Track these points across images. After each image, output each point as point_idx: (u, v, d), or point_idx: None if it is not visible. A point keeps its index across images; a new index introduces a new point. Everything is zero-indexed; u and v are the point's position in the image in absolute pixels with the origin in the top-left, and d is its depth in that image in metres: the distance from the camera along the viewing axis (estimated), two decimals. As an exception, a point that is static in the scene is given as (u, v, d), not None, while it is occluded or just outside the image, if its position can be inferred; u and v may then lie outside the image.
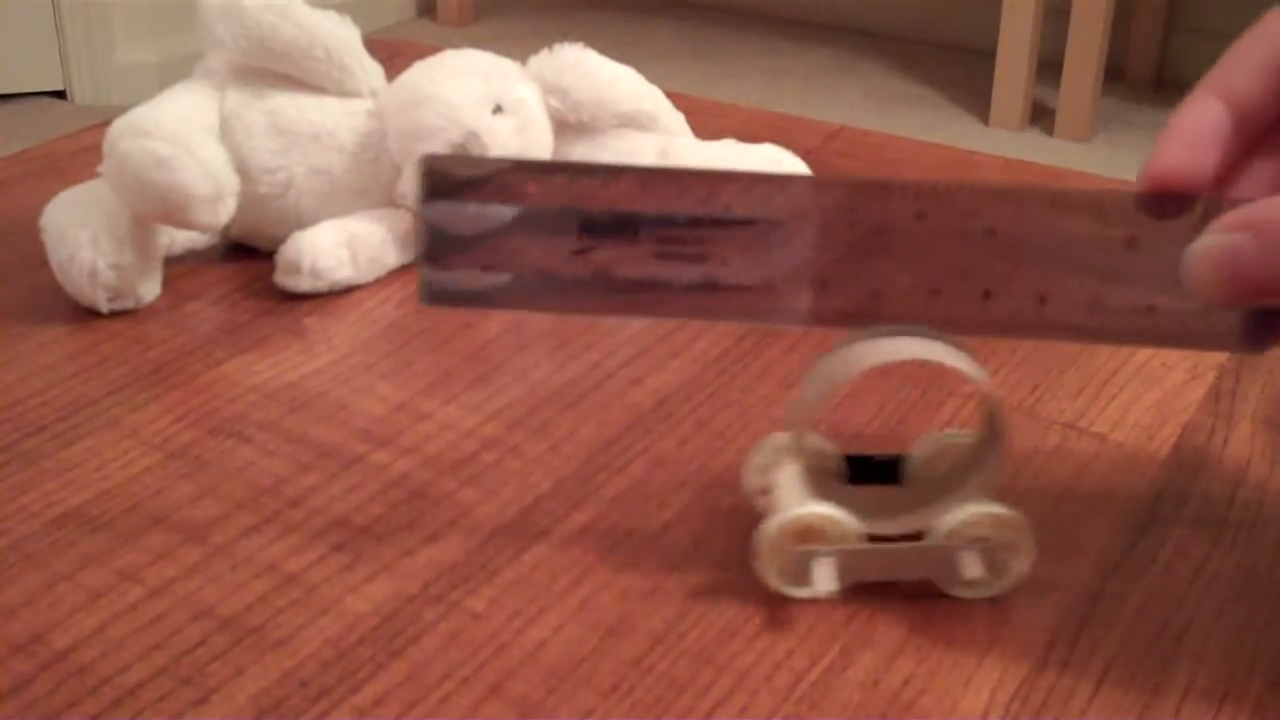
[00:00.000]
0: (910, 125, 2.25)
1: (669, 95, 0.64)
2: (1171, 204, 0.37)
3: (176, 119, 0.56)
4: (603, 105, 0.61)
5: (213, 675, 0.38)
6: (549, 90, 0.61)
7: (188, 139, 0.55)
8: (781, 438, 0.43)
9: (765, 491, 0.42)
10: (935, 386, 0.52)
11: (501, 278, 0.39)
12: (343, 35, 0.59)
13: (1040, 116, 2.23)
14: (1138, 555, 0.43)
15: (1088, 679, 0.38)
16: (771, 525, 0.40)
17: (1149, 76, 2.32)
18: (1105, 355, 0.54)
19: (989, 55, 2.26)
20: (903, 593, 0.41)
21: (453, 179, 0.39)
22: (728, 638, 0.40)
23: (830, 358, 0.40)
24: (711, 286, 0.39)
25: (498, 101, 0.59)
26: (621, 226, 0.38)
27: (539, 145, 0.60)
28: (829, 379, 0.40)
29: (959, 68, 2.49)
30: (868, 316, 0.39)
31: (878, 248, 0.38)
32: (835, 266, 0.39)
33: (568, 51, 0.61)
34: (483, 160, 0.39)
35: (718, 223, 0.38)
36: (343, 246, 0.58)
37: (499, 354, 0.54)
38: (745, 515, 0.45)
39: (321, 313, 0.57)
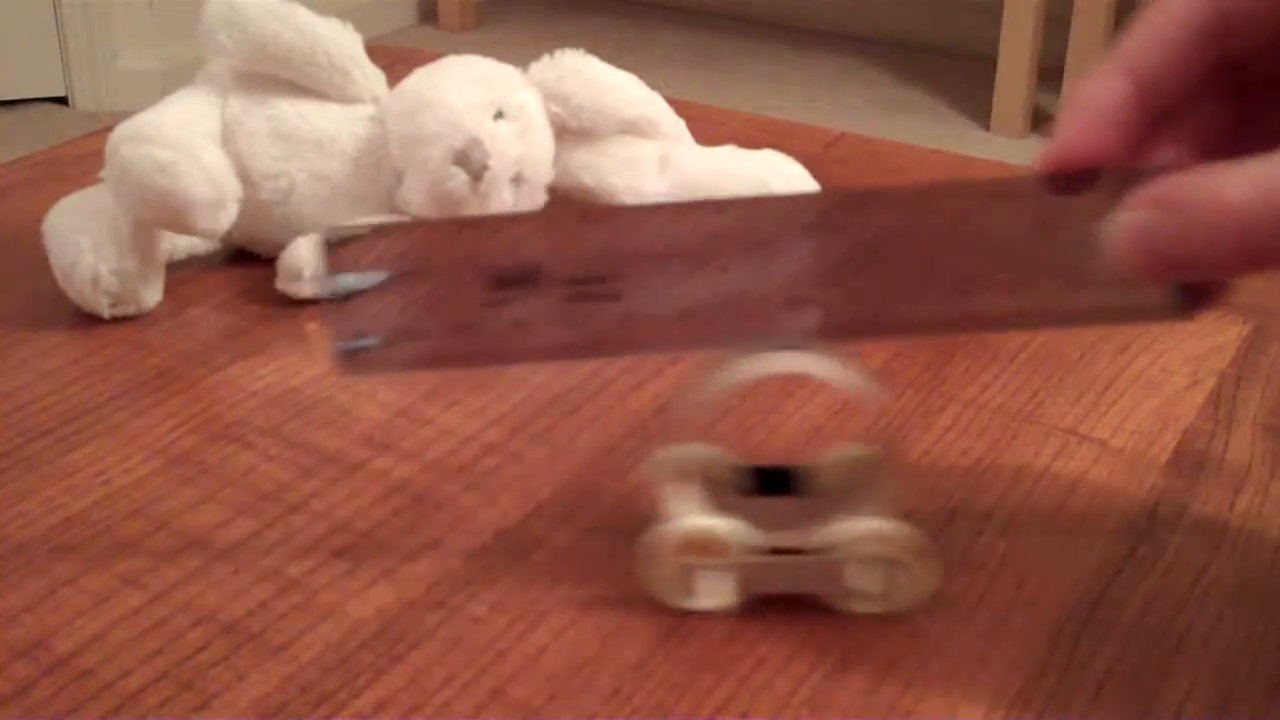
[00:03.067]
0: (911, 132, 2.25)
1: (670, 101, 0.64)
2: (1075, 180, 0.37)
3: (178, 125, 0.56)
4: (604, 111, 0.61)
5: (214, 680, 0.38)
6: (550, 96, 0.61)
7: (189, 145, 0.55)
8: (678, 448, 0.43)
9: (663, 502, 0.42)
10: (936, 393, 0.52)
11: (418, 342, 0.39)
12: (344, 41, 0.59)
13: (1041, 123, 2.24)
14: (1137, 561, 0.43)
15: (1087, 685, 0.38)
16: (655, 537, 0.40)
17: (1150, 83, 2.31)
18: (1105, 361, 0.54)
19: (990, 62, 2.26)
20: (903, 598, 0.41)
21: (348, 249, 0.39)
22: (728, 643, 0.40)
23: (717, 370, 0.40)
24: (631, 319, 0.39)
25: (499, 107, 0.59)
26: (526, 276, 0.38)
27: (540, 151, 0.60)
28: (714, 388, 0.40)
29: (960, 74, 2.49)
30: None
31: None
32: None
33: (569, 57, 0.62)
34: (361, 226, 0.39)
35: (623, 258, 0.38)
36: (344, 252, 0.58)
37: (500, 360, 0.54)
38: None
39: (323, 318, 0.57)
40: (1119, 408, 0.51)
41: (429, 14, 2.89)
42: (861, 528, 0.40)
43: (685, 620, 0.40)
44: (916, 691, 0.38)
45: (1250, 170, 0.32)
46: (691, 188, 0.62)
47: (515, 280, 0.38)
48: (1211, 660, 0.39)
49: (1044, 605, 0.41)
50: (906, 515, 0.41)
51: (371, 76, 0.60)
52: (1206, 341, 0.56)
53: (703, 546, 0.40)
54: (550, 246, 0.38)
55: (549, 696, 0.38)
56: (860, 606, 0.40)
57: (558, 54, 0.62)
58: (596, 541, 0.44)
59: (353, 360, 0.39)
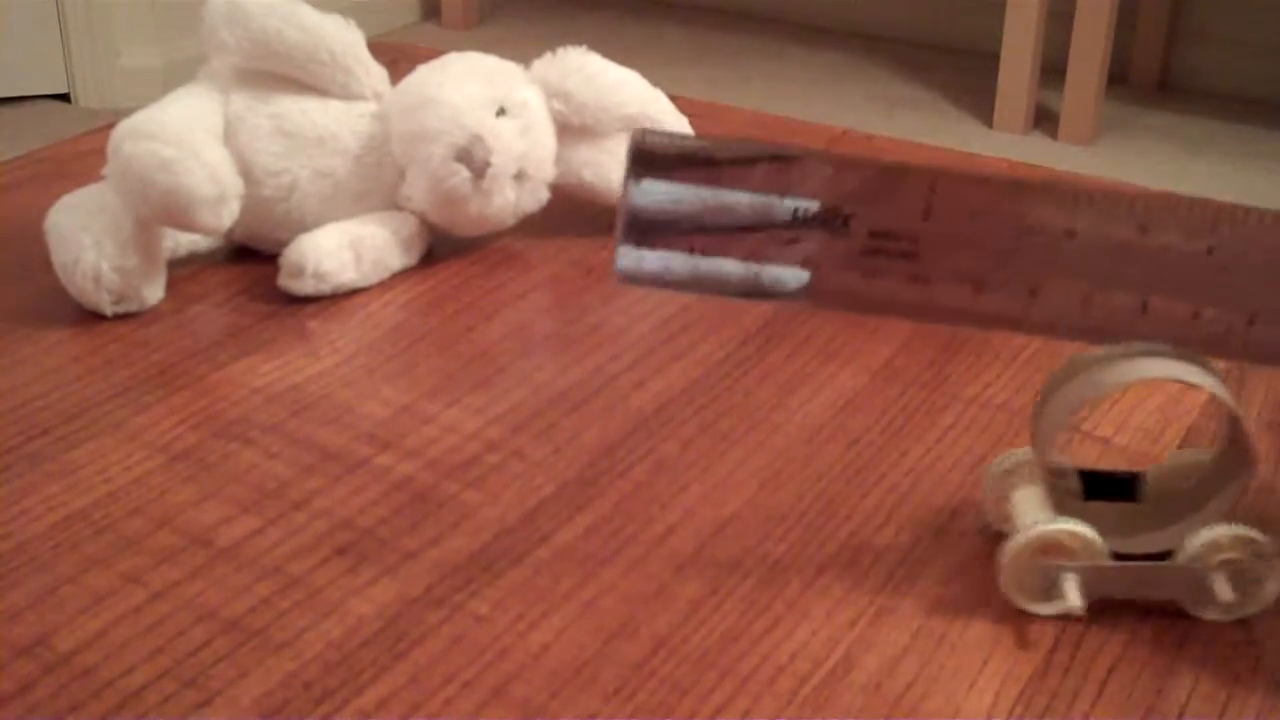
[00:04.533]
0: (914, 128, 2.24)
1: (672, 99, 0.64)
2: None
3: (181, 122, 0.56)
4: (606, 109, 0.61)
5: (216, 678, 0.38)
6: (552, 93, 0.61)
7: (192, 142, 0.55)
8: (1020, 452, 0.43)
9: (1003, 506, 0.43)
10: (939, 391, 0.52)
11: (710, 262, 0.38)
12: (347, 39, 0.59)
13: (1044, 120, 2.23)
14: (1141, 559, 0.43)
15: (1091, 683, 0.38)
16: (1017, 541, 0.40)
17: (1152, 81, 2.32)
18: (1109, 359, 0.54)
19: (993, 59, 2.26)
20: (906, 597, 0.41)
21: (662, 157, 0.38)
22: (731, 642, 0.40)
23: (1076, 375, 0.40)
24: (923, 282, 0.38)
25: (501, 104, 0.59)
26: (832, 218, 0.38)
27: (542, 148, 0.60)
28: (1079, 396, 0.39)
29: (963, 71, 2.49)
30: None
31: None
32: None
33: (572, 55, 0.61)
34: (690, 139, 0.38)
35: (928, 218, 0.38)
36: (346, 249, 0.58)
37: (502, 357, 0.54)
38: (748, 518, 0.45)
39: (325, 316, 0.57)
40: (1122, 405, 0.51)
41: (431, 11, 2.89)
42: (1217, 534, 0.39)
43: (688, 619, 0.40)
44: (919, 690, 0.38)
45: None
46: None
47: (816, 220, 0.38)
48: (1215, 658, 0.39)
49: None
50: (1253, 519, 0.40)
51: (374, 73, 0.60)
52: (1210, 339, 0.56)
53: (1064, 550, 0.40)
54: (862, 197, 0.38)
55: (551, 695, 0.38)
56: (1211, 614, 0.40)
57: (560, 51, 0.62)
58: (599, 540, 0.44)
59: (630, 267, 0.39)
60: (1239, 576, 0.40)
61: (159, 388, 0.51)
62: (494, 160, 0.57)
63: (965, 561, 0.43)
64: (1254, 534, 0.40)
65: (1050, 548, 0.40)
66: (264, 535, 0.44)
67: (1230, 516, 0.40)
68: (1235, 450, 0.41)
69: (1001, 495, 0.43)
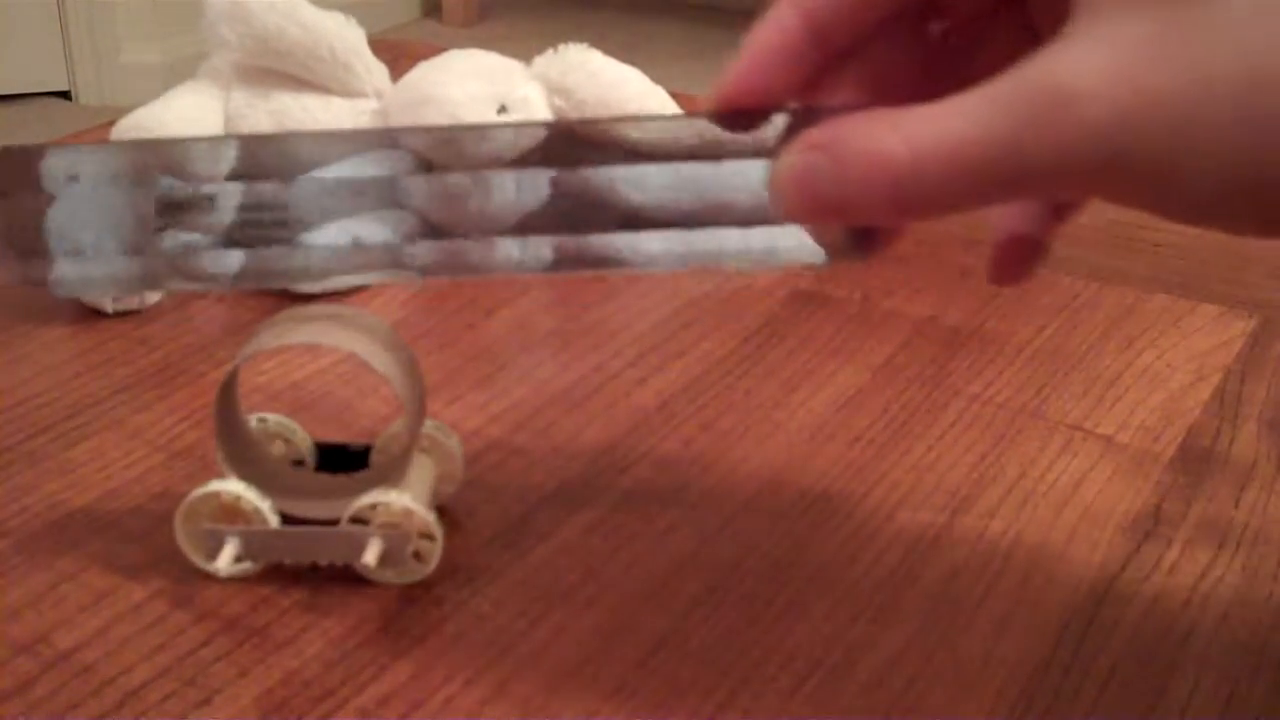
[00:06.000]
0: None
1: (673, 96, 0.64)
2: (745, 119, 0.36)
3: (181, 119, 0.56)
4: (607, 105, 0.61)
5: (216, 676, 0.38)
6: (553, 90, 0.61)
7: (192, 139, 0.55)
8: (261, 420, 0.44)
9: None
10: (940, 388, 0.52)
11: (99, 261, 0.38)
12: (348, 36, 0.59)
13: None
14: (1142, 558, 0.43)
15: (1092, 682, 0.38)
16: (184, 501, 0.41)
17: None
18: (1110, 357, 0.54)
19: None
20: (907, 595, 0.41)
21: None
22: (731, 639, 0.40)
23: (255, 335, 0.41)
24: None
25: (502, 102, 0.59)
26: (195, 202, 0.38)
27: (543, 146, 0.60)
28: (238, 360, 0.41)
29: (964, 69, 2.49)
30: None
31: None
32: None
33: (573, 52, 0.61)
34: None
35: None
36: (347, 247, 0.58)
37: (503, 355, 0.54)
38: (754, 517, 0.45)
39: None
40: (1124, 403, 0.51)
41: (432, 8, 2.89)
42: (366, 500, 0.40)
43: (688, 617, 0.40)
44: (919, 689, 0.38)
45: (905, 123, 0.31)
46: (693, 179, 0.61)
47: (182, 205, 0.38)
48: (1216, 658, 0.39)
49: (1048, 602, 0.41)
50: (446, 491, 0.42)
51: (375, 71, 0.60)
52: (1211, 337, 0.56)
53: (233, 512, 0.41)
54: (230, 169, 0.38)
55: (551, 693, 0.38)
56: (376, 576, 0.41)
57: (561, 48, 0.61)
58: (600, 538, 0.44)
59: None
60: (398, 541, 0.41)
61: (159, 385, 0.51)
62: (495, 157, 0.57)
63: (966, 560, 0.43)
64: (397, 497, 0.40)
65: (219, 510, 0.41)
66: (264, 533, 0.44)
67: (413, 487, 0.41)
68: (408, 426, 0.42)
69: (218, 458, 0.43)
